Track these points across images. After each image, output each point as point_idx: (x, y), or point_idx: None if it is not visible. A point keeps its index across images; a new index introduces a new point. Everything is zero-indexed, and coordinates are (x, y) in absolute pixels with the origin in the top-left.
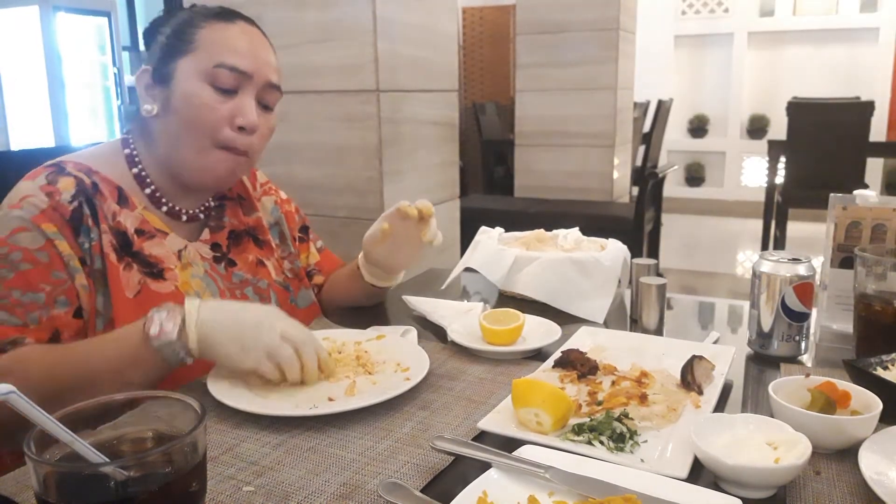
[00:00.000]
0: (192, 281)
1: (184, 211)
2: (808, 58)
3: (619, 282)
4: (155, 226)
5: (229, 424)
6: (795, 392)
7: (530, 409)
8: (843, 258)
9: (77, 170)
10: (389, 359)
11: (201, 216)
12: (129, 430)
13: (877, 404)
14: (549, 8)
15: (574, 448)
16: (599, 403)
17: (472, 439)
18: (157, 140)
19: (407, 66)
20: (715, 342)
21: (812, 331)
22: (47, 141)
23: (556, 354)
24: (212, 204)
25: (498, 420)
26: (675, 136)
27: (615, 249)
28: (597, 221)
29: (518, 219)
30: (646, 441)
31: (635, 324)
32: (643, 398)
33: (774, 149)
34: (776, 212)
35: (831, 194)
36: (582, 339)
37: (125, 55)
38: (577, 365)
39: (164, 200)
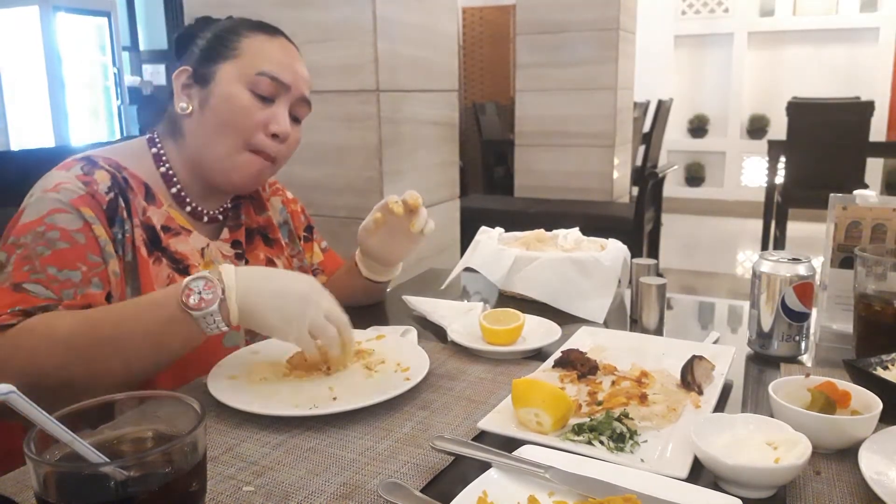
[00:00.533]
0: None
1: (205, 212)
2: (808, 58)
3: (619, 282)
4: (180, 223)
5: (229, 424)
6: (795, 392)
7: (530, 409)
8: (843, 258)
9: (108, 164)
10: (389, 359)
11: (220, 217)
12: (129, 430)
13: (877, 404)
14: (549, 8)
15: (574, 448)
16: (599, 403)
17: (472, 439)
18: (189, 138)
19: (407, 66)
20: (715, 342)
21: (812, 331)
22: (47, 141)
23: (556, 354)
24: (229, 205)
25: (498, 420)
26: (675, 136)
27: (615, 249)
28: (597, 221)
29: (518, 219)
30: (646, 441)
31: (635, 324)
32: (643, 398)
33: (774, 149)
34: (776, 212)
35: (831, 194)
36: (582, 339)
37: (125, 55)
38: (577, 365)
39: (188, 200)
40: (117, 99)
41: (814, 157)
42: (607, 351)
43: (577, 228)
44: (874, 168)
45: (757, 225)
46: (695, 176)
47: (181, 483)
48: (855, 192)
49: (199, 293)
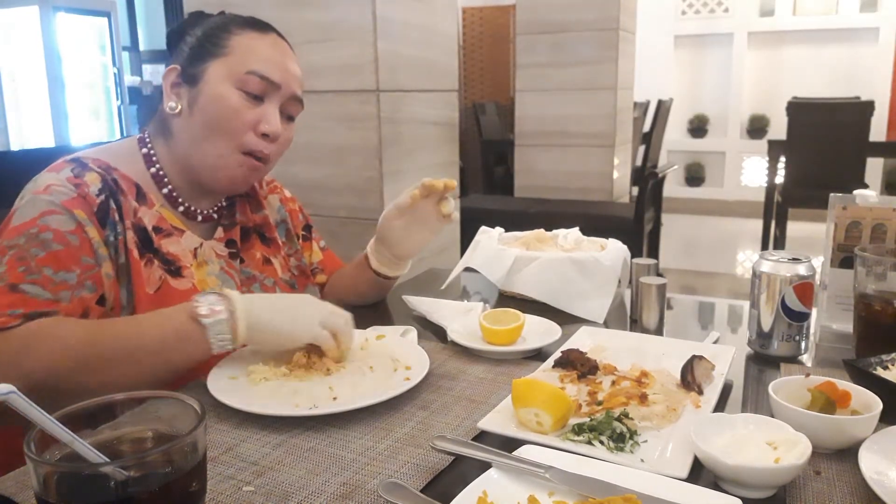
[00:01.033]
0: (208, 278)
1: (199, 211)
2: (808, 58)
3: (619, 282)
4: (172, 223)
5: (229, 424)
6: (795, 392)
7: (530, 409)
8: (843, 258)
9: (97, 166)
10: (389, 359)
11: (215, 216)
12: (129, 430)
13: (877, 404)
14: (549, 8)
15: (574, 448)
16: (599, 403)
17: (472, 439)
18: (178, 138)
19: (407, 66)
20: (715, 342)
21: (812, 331)
22: (47, 141)
23: (556, 354)
24: (224, 203)
25: (498, 420)
26: (675, 136)
27: (615, 249)
28: (597, 221)
29: (518, 219)
30: (646, 441)
31: (635, 324)
32: (643, 398)
33: (774, 149)
34: (776, 212)
35: (831, 194)
36: (582, 339)
37: (125, 55)
38: (577, 365)
39: (180, 200)
40: (117, 99)
41: (814, 157)
42: (607, 351)
43: (577, 228)
44: (874, 168)
45: (757, 225)
46: (695, 176)
47: (181, 483)
48: (855, 192)
49: (210, 305)
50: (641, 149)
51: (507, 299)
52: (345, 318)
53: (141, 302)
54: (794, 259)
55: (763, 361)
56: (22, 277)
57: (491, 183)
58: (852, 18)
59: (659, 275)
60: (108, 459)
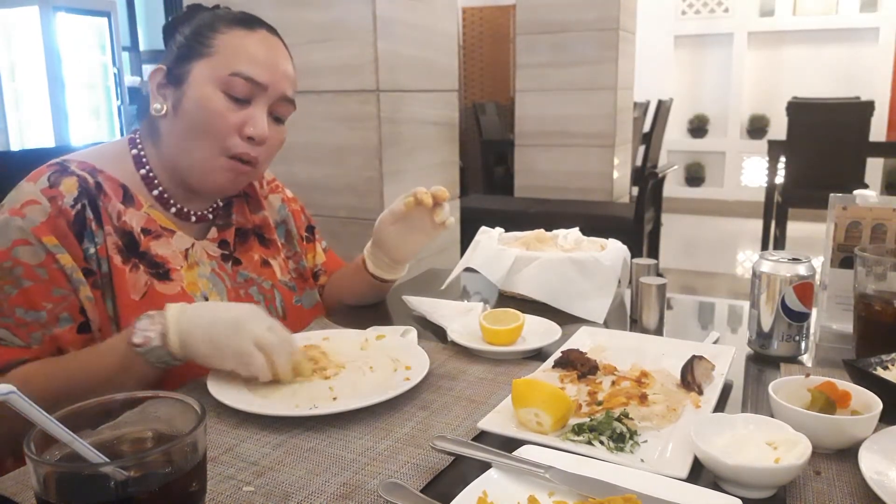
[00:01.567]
0: (199, 281)
1: (192, 212)
2: (808, 58)
3: (619, 282)
4: (161, 224)
5: (229, 424)
6: (795, 392)
7: (530, 409)
8: (843, 258)
9: (81, 168)
10: (389, 359)
11: (210, 216)
12: (129, 430)
13: (877, 404)
14: (549, 8)
15: (574, 448)
16: (599, 403)
17: (472, 439)
18: (165, 140)
19: (407, 66)
20: (715, 342)
21: (812, 331)
22: (47, 141)
23: (556, 354)
24: (220, 204)
25: (498, 420)
26: (675, 136)
27: (615, 249)
28: (597, 221)
29: (518, 219)
30: (646, 441)
31: (635, 324)
32: (643, 398)
33: (774, 149)
34: (776, 212)
35: (831, 194)
36: (582, 339)
37: (125, 55)
38: (577, 365)
39: (172, 202)
40: (117, 99)
41: (814, 157)
42: (607, 351)
43: (577, 228)
44: (874, 168)
45: (757, 225)
46: (695, 176)
47: (181, 483)
48: (855, 192)
49: (143, 331)
50: (641, 149)
51: (507, 299)
52: (280, 337)
53: (125, 310)
54: (794, 259)
55: (763, 361)
56: None
57: (491, 183)
58: (852, 18)
59: (659, 275)
60: (108, 459)
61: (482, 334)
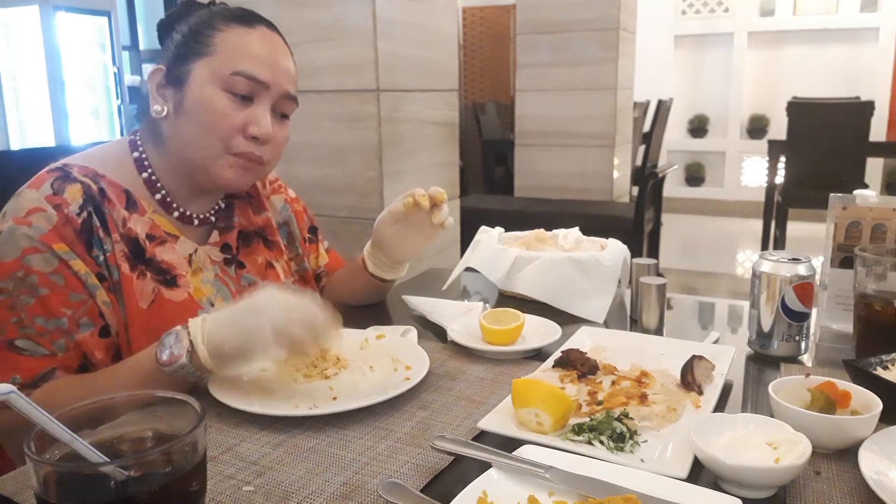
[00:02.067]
0: (203, 286)
1: (195, 215)
2: (808, 58)
3: (619, 282)
4: (165, 230)
5: (229, 424)
6: (795, 392)
7: (530, 409)
8: (843, 258)
9: (83, 174)
10: (389, 358)
11: (212, 219)
12: (129, 429)
13: (877, 404)
14: (549, 8)
15: (574, 448)
16: (599, 403)
17: (472, 439)
18: (168, 142)
19: (407, 66)
20: (715, 342)
21: (812, 331)
22: (47, 140)
23: (556, 354)
24: (221, 205)
25: (498, 420)
26: (675, 136)
27: (615, 249)
28: (597, 221)
29: (518, 219)
30: (646, 441)
31: (635, 324)
32: (643, 398)
33: (774, 149)
34: (776, 212)
35: (831, 194)
36: (582, 339)
37: (125, 55)
38: (577, 365)
39: (174, 206)
40: (117, 99)
41: (814, 157)
42: (607, 351)
43: (577, 228)
44: (874, 168)
45: (757, 225)
46: (695, 176)
47: (181, 483)
48: (855, 192)
49: (170, 347)
50: (641, 149)
51: (507, 299)
52: (304, 321)
53: (133, 318)
54: (794, 259)
55: (763, 361)
56: (16, 332)
57: (491, 183)
58: (852, 18)
59: (659, 275)
60: (108, 459)
61: (482, 334)
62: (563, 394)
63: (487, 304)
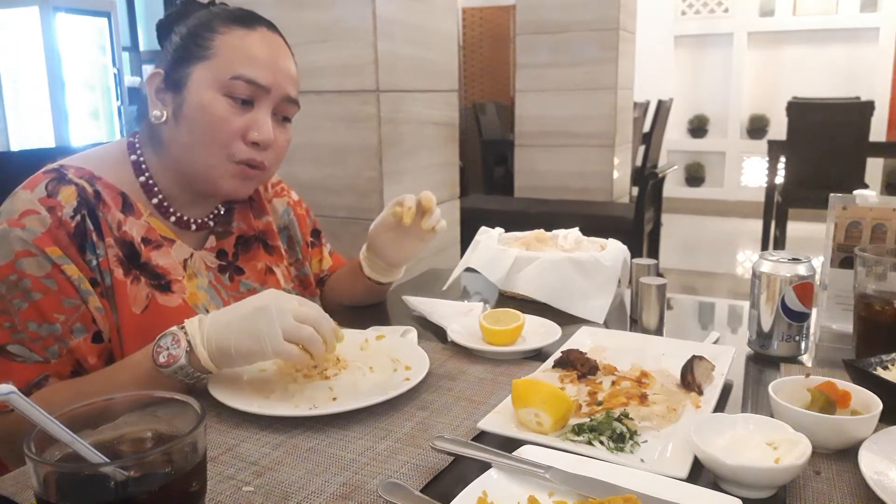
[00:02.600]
0: (198, 292)
1: (193, 220)
2: (808, 58)
3: (619, 282)
4: (161, 233)
5: (229, 424)
6: (795, 392)
7: (530, 409)
8: (843, 258)
9: (78, 176)
10: (389, 359)
11: (211, 223)
12: (129, 430)
13: (877, 404)
14: (549, 8)
15: (574, 448)
16: (599, 403)
17: (472, 439)
18: (167, 147)
19: (407, 66)
20: (715, 342)
21: (812, 331)
22: (47, 141)
23: (556, 354)
24: (221, 210)
25: (498, 420)
26: (675, 136)
27: (615, 249)
28: (597, 221)
29: (518, 219)
30: (646, 441)
31: (635, 324)
32: (643, 398)
33: (774, 149)
34: (776, 212)
35: (831, 194)
36: (582, 339)
37: (125, 55)
38: (577, 365)
39: (171, 210)
40: (117, 99)
41: (814, 157)
42: (607, 351)
43: (577, 228)
44: (874, 168)
45: (757, 225)
46: (695, 176)
47: (181, 483)
48: (855, 192)
49: (167, 349)
50: (641, 149)
51: (507, 299)
52: (312, 307)
53: (126, 324)
54: (794, 259)
55: (763, 361)
56: (8, 337)
57: (491, 183)
58: (852, 18)
59: (659, 275)
60: (108, 459)
61: (482, 334)
62: (563, 394)
63: (487, 305)
